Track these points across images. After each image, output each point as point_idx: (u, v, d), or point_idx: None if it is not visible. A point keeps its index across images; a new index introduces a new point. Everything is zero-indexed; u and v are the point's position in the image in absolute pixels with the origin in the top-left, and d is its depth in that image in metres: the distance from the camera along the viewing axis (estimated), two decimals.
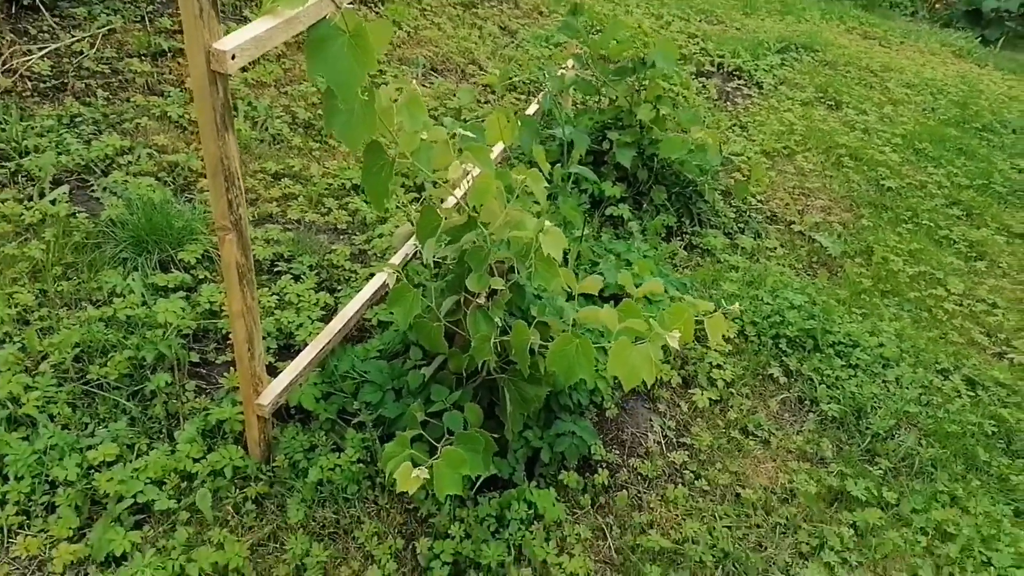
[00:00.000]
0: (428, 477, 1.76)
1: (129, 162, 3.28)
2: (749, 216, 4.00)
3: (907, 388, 3.01)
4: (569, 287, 2.03)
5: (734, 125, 4.96)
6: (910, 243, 4.04)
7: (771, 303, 3.26)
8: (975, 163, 5.01)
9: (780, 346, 3.09)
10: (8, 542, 1.92)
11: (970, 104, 5.87)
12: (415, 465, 1.77)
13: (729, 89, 5.47)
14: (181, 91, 3.80)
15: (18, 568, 1.88)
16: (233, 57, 1.57)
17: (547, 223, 1.96)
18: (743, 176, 4.28)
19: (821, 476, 2.55)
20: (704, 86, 5.37)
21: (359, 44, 1.64)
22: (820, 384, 2.93)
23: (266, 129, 3.74)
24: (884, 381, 3.02)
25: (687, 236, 3.70)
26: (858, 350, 3.13)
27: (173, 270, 2.79)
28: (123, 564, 1.90)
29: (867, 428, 2.78)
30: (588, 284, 2.06)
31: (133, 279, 2.67)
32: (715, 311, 1.92)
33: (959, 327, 3.51)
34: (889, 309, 3.52)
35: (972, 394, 3.09)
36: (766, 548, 2.27)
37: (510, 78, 4.72)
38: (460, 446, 1.93)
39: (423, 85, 4.52)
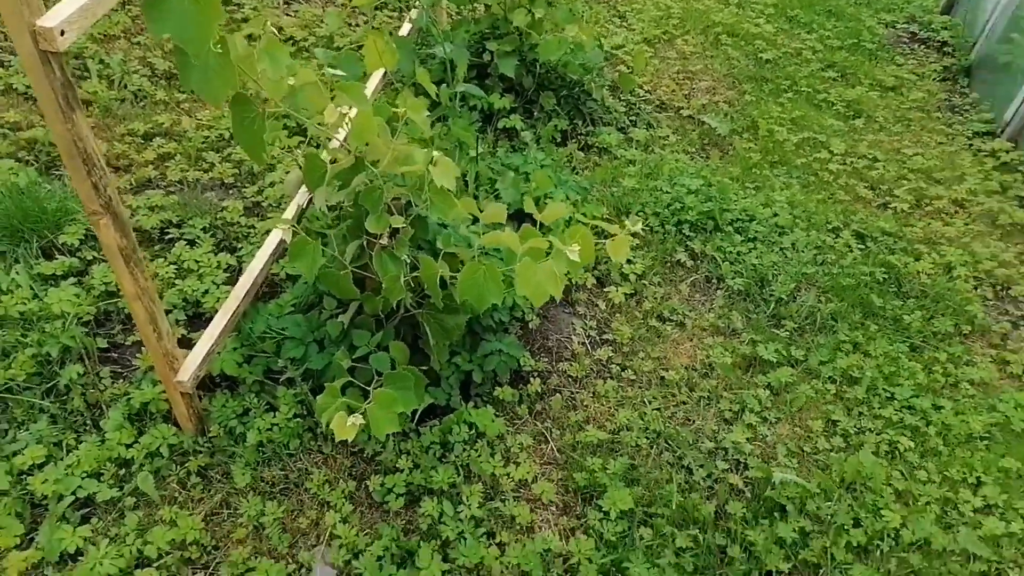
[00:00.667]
0: (364, 422, 1.79)
1: None
2: (639, 108, 4.05)
3: (803, 251, 3.20)
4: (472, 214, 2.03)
5: (613, 16, 4.93)
6: (792, 111, 4.20)
7: (670, 191, 3.36)
8: (844, 23, 5.18)
9: (683, 232, 3.21)
10: None
11: None
12: (351, 412, 1.79)
13: None
14: None
15: None
16: (62, 33, 1.44)
17: (436, 153, 1.93)
18: (627, 68, 4.30)
19: (735, 347, 2.72)
20: None
21: None
22: (724, 261, 3.08)
23: (125, 87, 3.48)
24: (781, 248, 3.20)
25: (581, 137, 3.73)
26: (755, 223, 3.29)
27: (57, 256, 2.63)
28: (79, 560, 1.88)
29: (771, 295, 2.96)
30: (491, 214, 2.04)
31: (17, 272, 2.51)
32: (617, 233, 1.94)
33: (845, 185, 3.72)
34: (779, 179, 3.69)
35: (862, 247, 3.32)
36: (694, 421, 2.43)
37: None
38: (390, 386, 1.95)
39: (286, 15, 4.27)
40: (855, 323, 2.90)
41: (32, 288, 2.48)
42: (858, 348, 2.79)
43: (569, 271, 1.87)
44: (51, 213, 2.69)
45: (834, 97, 4.40)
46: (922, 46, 5.11)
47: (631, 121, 3.94)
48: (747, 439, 2.35)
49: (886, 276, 3.14)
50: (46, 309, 2.39)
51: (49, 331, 2.33)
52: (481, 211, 2.00)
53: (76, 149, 1.60)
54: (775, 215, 3.36)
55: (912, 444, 2.39)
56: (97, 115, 3.30)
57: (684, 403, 2.50)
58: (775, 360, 2.67)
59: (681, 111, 4.10)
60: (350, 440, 1.80)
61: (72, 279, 2.53)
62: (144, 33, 3.83)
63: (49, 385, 2.23)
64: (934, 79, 4.71)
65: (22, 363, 2.24)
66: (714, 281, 3.04)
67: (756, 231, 3.26)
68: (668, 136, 3.90)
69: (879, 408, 2.54)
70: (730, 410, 2.48)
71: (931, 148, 4.10)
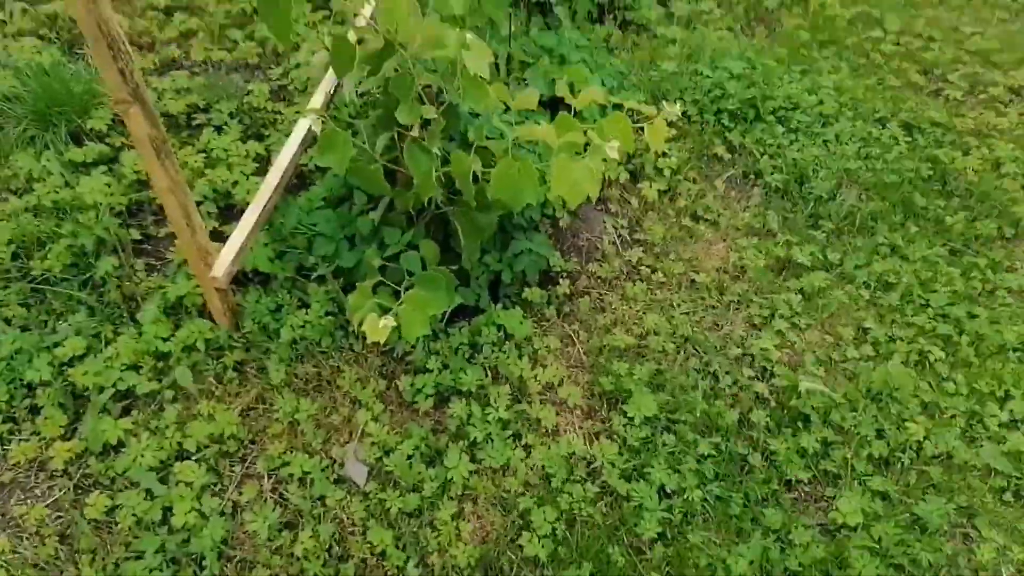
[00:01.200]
0: (396, 324, 1.81)
1: (3, 22, 2.91)
2: None
3: (847, 144, 3.06)
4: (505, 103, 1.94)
5: None
6: None
7: (711, 75, 3.18)
8: None
9: (722, 121, 3.07)
10: (3, 450, 1.98)
11: None
12: (384, 313, 1.81)
13: None
14: None
15: (21, 472, 1.96)
16: None
17: (468, 36, 1.82)
18: None
19: (769, 248, 2.68)
20: None
21: None
22: (763, 155, 2.97)
23: None
24: (824, 141, 3.06)
25: (619, 12, 3.50)
26: (798, 112, 3.13)
27: (87, 141, 2.60)
28: (120, 451, 1.99)
29: (810, 193, 2.87)
30: (523, 101, 1.96)
31: (48, 159, 2.50)
32: (655, 115, 1.87)
33: (896, 69, 3.50)
34: (828, 61, 3.47)
35: (909, 139, 3.16)
36: (722, 326, 2.44)
37: None
38: (421, 287, 1.96)
39: None
40: (895, 224, 2.82)
41: (63, 176, 2.47)
42: (896, 251, 2.72)
43: (607, 170, 1.81)
44: (77, 96, 2.64)
45: None
46: None
47: None
48: (775, 346, 2.36)
49: (931, 172, 3.01)
50: (79, 199, 2.40)
51: (83, 221, 2.35)
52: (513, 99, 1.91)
53: (100, 32, 1.53)
54: (820, 103, 3.19)
55: (943, 355, 2.38)
56: None
57: (713, 307, 2.49)
58: (809, 263, 2.63)
59: None
60: (381, 342, 1.83)
61: (103, 167, 2.52)
62: None
63: (85, 277, 2.28)
64: None
65: (58, 254, 2.28)
66: (751, 177, 2.94)
67: (799, 121, 3.11)
68: (712, 10, 3.65)
69: (912, 316, 2.52)
70: (760, 315, 2.47)
71: (991, 26, 3.80)
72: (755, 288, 2.56)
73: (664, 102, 1.92)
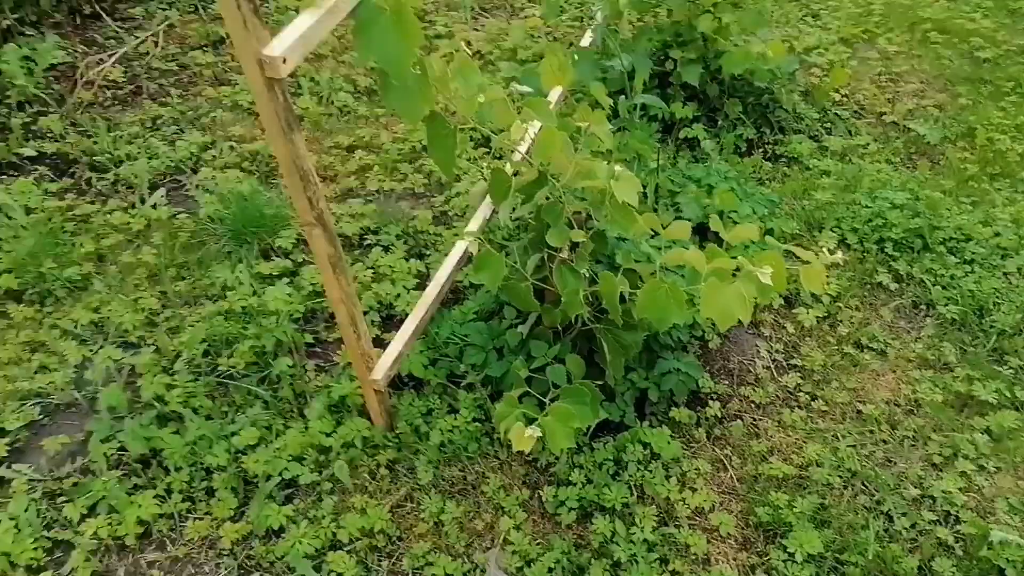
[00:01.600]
0: (541, 435, 1.81)
1: (213, 157, 3.40)
2: (834, 114, 3.78)
3: None
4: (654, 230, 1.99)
5: (806, 15, 4.65)
6: (1016, 117, 3.74)
7: (870, 205, 3.11)
8: None
9: (886, 250, 2.96)
10: (180, 526, 2.12)
11: None
12: (528, 423, 1.82)
13: None
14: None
15: (193, 548, 2.08)
16: (285, 61, 1.57)
17: (617, 168, 1.91)
18: (822, 72, 4.04)
19: (946, 382, 2.47)
20: None
21: (402, 20, 1.61)
22: (934, 285, 2.80)
23: (331, 103, 3.78)
24: (1005, 273, 2.86)
25: (769, 147, 3.55)
26: (972, 243, 2.96)
27: (274, 257, 2.91)
28: (282, 536, 2.08)
29: (991, 326, 2.65)
30: (674, 231, 1.98)
31: (240, 271, 2.81)
32: (813, 258, 1.82)
33: None
34: (1001, 193, 3.30)
35: None
36: (895, 463, 2.23)
37: (559, 10, 4.56)
38: (567, 400, 1.96)
39: (474, 29, 4.44)
40: None
41: (252, 286, 2.76)
42: None
43: (759, 297, 1.78)
44: (269, 218, 2.98)
45: None
46: None
47: (825, 129, 3.70)
48: (959, 489, 2.12)
49: None
50: (263, 305, 2.65)
51: (265, 325, 2.58)
52: (664, 227, 1.96)
53: (295, 166, 1.75)
54: (997, 235, 3.01)
55: None
56: (308, 129, 3.60)
57: (884, 442, 2.29)
58: (995, 401, 2.39)
59: (883, 117, 3.79)
60: (526, 452, 1.83)
61: (285, 279, 2.79)
62: (348, 51, 4.14)
63: (263, 374, 2.47)
64: None
65: (242, 353, 2.50)
66: (922, 307, 2.77)
67: (973, 252, 2.93)
68: (868, 144, 3.61)
69: None
70: (940, 454, 2.25)
71: None
72: (932, 424, 2.34)
73: (826, 249, 1.87)
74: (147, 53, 4.07)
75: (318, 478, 2.19)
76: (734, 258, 1.77)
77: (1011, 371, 2.51)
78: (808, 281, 1.82)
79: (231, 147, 3.45)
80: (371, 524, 2.08)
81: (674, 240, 2.21)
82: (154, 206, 3.11)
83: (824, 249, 1.84)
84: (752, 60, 3.32)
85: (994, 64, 4.17)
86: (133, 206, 3.13)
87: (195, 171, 3.32)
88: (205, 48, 4.13)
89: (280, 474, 2.19)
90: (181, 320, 2.65)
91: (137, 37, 4.17)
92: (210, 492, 2.18)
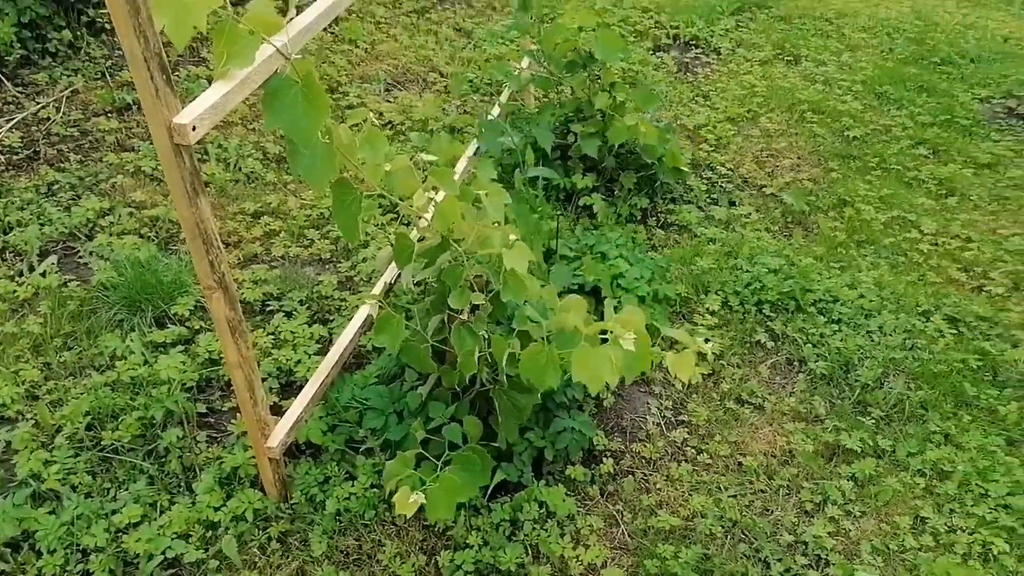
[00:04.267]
0: (425, 501, 1.84)
1: (111, 223, 3.35)
2: (721, 186, 4.07)
3: (891, 335, 3.10)
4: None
5: (696, 96, 5.02)
6: (880, 189, 4.12)
7: (750, 270, 3.34)
8: (936, 99, 5.08)
9: (764, 311, 3.18)
10: None
11: (926, 39, 5.93)
12: (419, 485, 1.86)
13: (688, 60, 5.52)
14: (151, 144, 3.85)
15: None
16: (194, 128, 1.64)
17: (512, 237, 2.03)
18: (710, 147, 4.36)
19: (817, 434, 2.65)
20: (662, 60, 5.42)
21: (311, 92, 1.71)
22: (806, 344, 3.03)
23: (239, 169, 3.80)
24: (868, 332, 3.11)
25: (661, 215, 3.78)
26: (839, 304, 3.22)
27: (169, 325, 2.87)
28: None
29: (856, 380, 2.87)
30: (566, 305, 2.04)
31: (132, 340, 2.75)
32: (683, 348, 1.93)
33: (936, 266, 3.60)
34: (866, 259, 3.61)
35: (955, 332, 3.18)
36: (772, 511, 2.37)
37: (468, 83, 4.77)
38: (456, 467, 2.01)
39: (386, 100, 4.58)
40: (947, 413, 2.77)
41: (143, 355, 2.71)
42: (950, 440, 2.65)
43: (624, 369, 1.87)
44: (166, 285, 2.95)
45: (925, 175, 4.29)
46: (1021, 121, 4.93)
47: (712, 199, 3.97)
48: (829, 533, 2.26)
49: (980, 363, 2.99)
50: (154, 375, 2.61)
51: (155, 395, 2.53)
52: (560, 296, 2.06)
53: (198, 230, 1.79)
54: (861, 296, 3.28)
55: (1008, 547, 2.23)
56: (213, 195, 3.61)
57: (762, 491, 2.43)
58: (860, 449, 2.58)
59: (764, 189, 4.10)
60: (407, 516, 1.85)
61: (180, 347, 2.75)
62: (259, 119, 4.19)
63: (150, 447, 2.41)
64: None
65: (128, 425, 2.44)
66: (796, 364, 2.98)
67: (840, 313, 3.19)
68: (750, 214, 3.89)
69: (972, 506, 2.40)
70: (811, 501, 2.40)
71: None
72: (805, 473, 2.50)
73: (701, 340, 2.00)
74: (48, 119, 4.01)
75: (204, 556, 2.13)
76: (606, 323, 1.88)
77: (872, 421, 2.71)
78: (677, 367, 1.93)
79: (130, 213, 3.41)
80: None
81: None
82: (43, 274, 3.03)
83: (702, 339, 1.97)
84: (631, 133, 3.58)
85: (862, 141, 4.60)
86: (20, 274, 3.04)
87: (90, 238, 3.26)
88: (109, 114, 4.10)
89: (163, 553, 2.12)
90: (64, 392, 2.56)
91: (38, 102, 4.10)
92: (86, 575, 2.08)
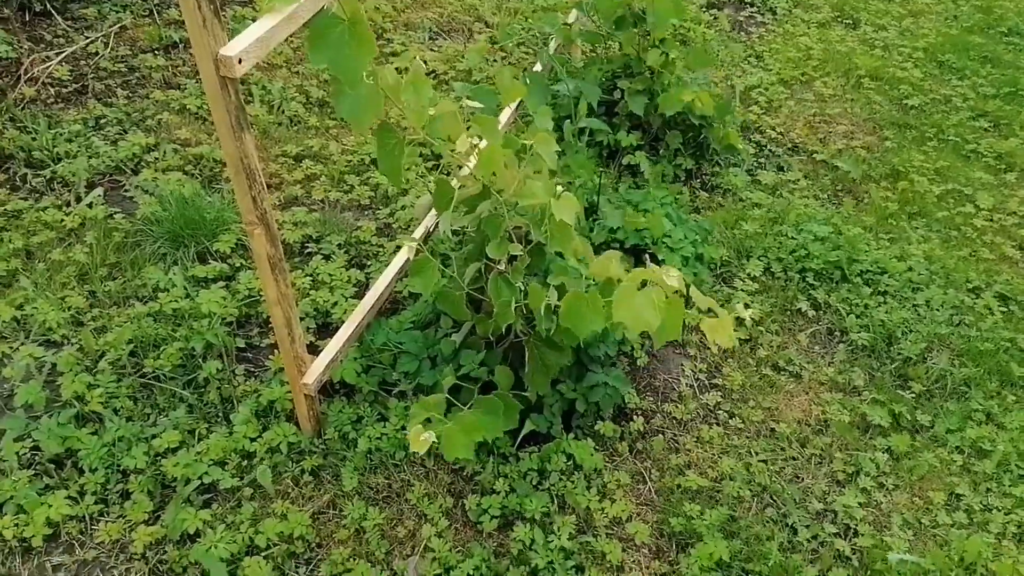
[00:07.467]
0: (436, 440, 1.83)
1: (156, 159, 3.38)
2: (769, 150, 3.96)
3: (938, 310, 3.01)
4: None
5: (749, 56, 4.86)
6: (936, 161, 3.97)
7: (796, 237, 3.27)
8: (1000, 70, 4.85)
9: (807, 279, 3.11)
10: (91, 529, 2.09)
11: (994, 7, 5.64)
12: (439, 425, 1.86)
13: (742, 18, 5.34)
14: (196, 83, 3.87)
15: (103, 552, 2.05)
16: (240, 61, 1.62)
17: (559, 188, 2.00)
18: (761, 109, 4.23)
19: (854, 405, 2.60)
20: (716, 18, 5.25)
21: (358, 30, 1.68)
22: (849, 314, 2.96)
23: (282, 112, 3.80)
24: (914, 305, 3.03)
25: (706, 177, 3.70)
26: (886, 276, 3.13)
27: (211, 261, 2.90)
28: (197, 540, 2.06)
29: (898, 354, 2.81)
30: (601, 265, 2.01)
31: (174, 273, 2.79)
32: (717, 310, 1.88)
33: (989, 243, 3.48)
34: (917, 231, 3.50)
35: (1004, 310, 3.08)
36: (803, 479, 2.34)
37: (512, 35, 4.68)
38: (478, 409, 2.01)
39: (431, 49, 4.52)
40: (990, 392, 2.69)
41: (186, 288, 2.75)
42: (991, 419, 2.59)
43: (668, 329, 1.84)
44: (209, 222, 2.98)
45: (984, 148, 4.13)
46: None
47: (760, 163, 3.87)
48: (859, 504, 2.24)
49: None
50: (196, 308, 2.65)
51: (196, 328, 2.58)
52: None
53: (242, 165, 1.79)
54: (910, 269, 3.19)
55: None
56: (257, 136, 3.62)
57: (794, 459, 2.41)
58: (898, 424, 2.53)
59: (815, 155, 3.98)
60: (419, 453, 1.83)
61: (221, 283, 2.79)
62: (303, 63, 4.18)
63: (190, 377, 2.46)
64: None
65: (169, 355, 2.49)
66: (836, 334, 2.92)
67: (887, 285, 3.10)
68: (798, 180, 3.79)
69: (1010, 486, 2.34)
70: (843, 471, 2.37)
71: None
72: (839, 443, 2.47)
73: (741, 304, 1.94)
74: (96, 53, 4.03)
75: (239, 483, 2.19)
76: (648, 271, 1.84)
77: (913, 395, 2.66)
78: (712, 332, 1.89)
79: (175, 150, 3.44)
80: (291, 530, 2.08)
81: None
82: (90, 205, 3.08)
83: (741, 304, 1.92)
84: (684, 104, 3.48)
85: (920, 111, 4.43)
86: (68, 204, 3.10)
87: (136, 172, 3.30)
88: (156, 52, 4.12)
89: (200, 478, 2.17)
90: (108, 320, 2.62)
91: (87, 37, 4.13)
92: (125, 495, 2.15)
